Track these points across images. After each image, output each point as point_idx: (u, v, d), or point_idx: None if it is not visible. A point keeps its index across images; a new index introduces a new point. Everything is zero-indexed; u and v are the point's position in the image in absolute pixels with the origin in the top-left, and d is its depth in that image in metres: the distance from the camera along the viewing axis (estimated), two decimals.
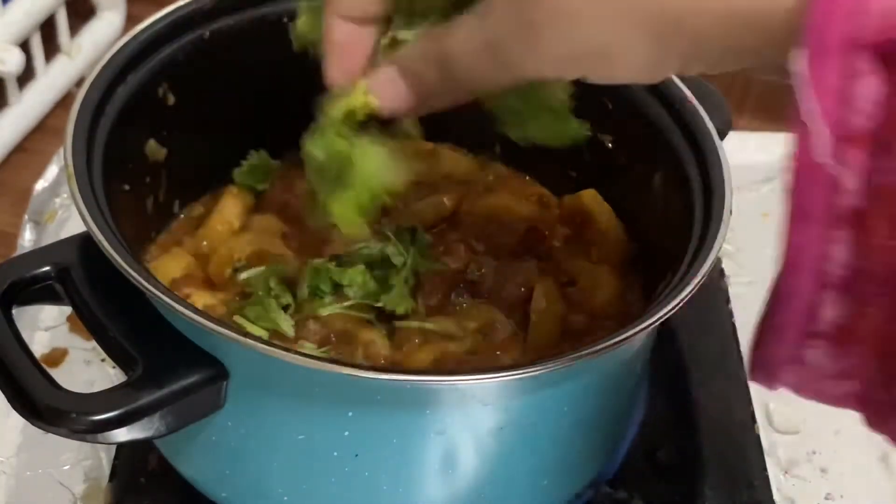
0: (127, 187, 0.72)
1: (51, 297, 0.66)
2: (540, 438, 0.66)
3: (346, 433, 0.62)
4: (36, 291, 0.65)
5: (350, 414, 0.61)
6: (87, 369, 0.83)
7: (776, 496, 0.78)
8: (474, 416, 0.63)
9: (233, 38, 0.77)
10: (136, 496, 0.76)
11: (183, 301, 0.60)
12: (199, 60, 0.75)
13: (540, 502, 0.71)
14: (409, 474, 0.65)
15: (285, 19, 0.78)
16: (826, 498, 0.79)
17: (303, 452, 0.64)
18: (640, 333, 0.60)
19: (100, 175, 0.66)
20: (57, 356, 0.84)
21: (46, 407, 0.58)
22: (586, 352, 0.59)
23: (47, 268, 0.65)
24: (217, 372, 0.61)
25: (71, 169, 0.64)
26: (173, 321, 0.62)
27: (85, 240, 0.64)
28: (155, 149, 0.76)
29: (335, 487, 0.65)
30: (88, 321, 0.64)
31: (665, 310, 0.61)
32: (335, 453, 0.63)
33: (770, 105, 1.15)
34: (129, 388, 0.59)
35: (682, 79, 0.74)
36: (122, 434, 0.59)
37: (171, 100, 0.75)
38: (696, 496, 0.78)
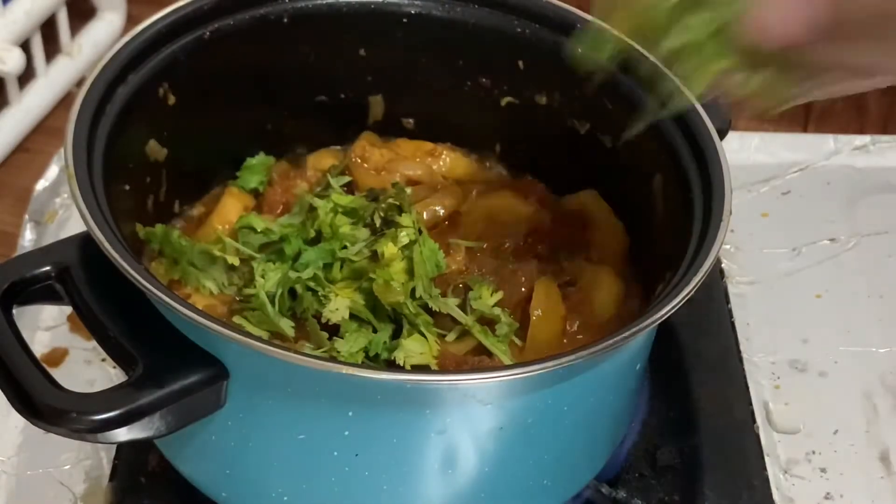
0: (127, 187, 0.72)
1: (51, 297, 0.65)
2: (540, 438, 0.66)
3: (347, 433, 0.62)
4: (36, 291, 0.65)
5: (350, 414, 0.61)
6: (88, 369, 0.83)
7: (776, 496, 0.78)
8: (474, 416, 0.63)
9: (233, 38, 0.77)
10: (136, 496, 0.76)
11: (183, 301, 0.60)
12: (199, 60, 0.75)
13: (540, 502, 0.71)
14: (409, 474, 0.65)
15: (285, 19, 0.78)
16: (825, 498, 0.79)
17: (303, 452, 0.64)
18: (639, 333, 0.60)
19: (100, 175, 0.66)
20: (57, 356, 0.84)
21: (47, 407, 0.58)
22: (586, 352, 0.59)
23: (47, 268, 0.65)
24: (217, 372, 0.61)
25: (71, 169, 0.64)
26: (173, 321, 0.62)
27: (85, 240, 0.64)
28: (155, 149, 0.75)
29: (335, 487, 0.65)
30: (88, 321, 0.64)
31: (664, 310, 0.61)
32: (335, 453, 0.63)
33: None
34: (130, 387, 0.59)
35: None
36: (123, 434, 0.59)
37: (172, 100, 0.75)
38: (696, 496, 0.78)
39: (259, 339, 0.59)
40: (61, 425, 0.58)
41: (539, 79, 0.81)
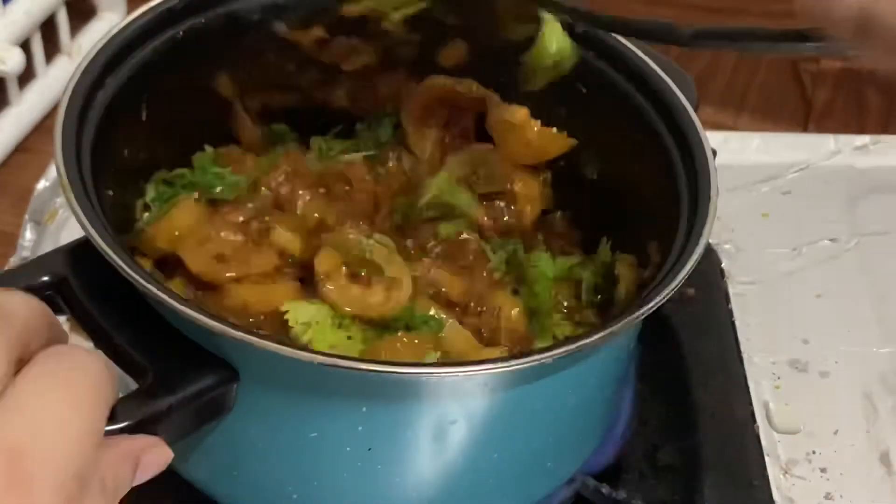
0: (110, 193, 0.71)
1: (51, 310, 0.64)
2: (547, 421, 0.66)
3: (360, 428, 0.62)
4: None
5: (364, 409, 0.61)
6: None
7: (776, 496, 0.78)
8: (489, 404, 0.63)
9: (205, 37, 0.76)
10: (136, 496, 0.75)
11: (192, 304, 0.59)
12: (173, 61, 0.74)
13: (544, 484, 0.72)
14: (421, 465, 0.65)
15: (255, 16, 0.77)
16: (826, 498, 0.79)
17: (315, 450, 0.64)
18: (630, 325, 0.61)
19: (90, 181, 0.65)
20: None
21: None
22: (596, 336, 0.60)
23: (45, 278, 0.63)
24: (228, 374, 0.60)
25: (65, 179, 0.63)
26: (180, 326, 0.61)
27: (79, 248, 0.64)
28: (137, 150, 0.75)
29: (347, 483, 0.65)
30: (92, 331, 0.62)
31: (652, 303, 0.61)
32: (348, 448, 0.63)
33: (770, 105, 1.15)
34: (142, 396, 0.58)
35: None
36: None
37: (146, 106, 0.74)
38: (696, 496, 0.78)
39: (271, 338, 0.59)
40: None
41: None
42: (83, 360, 0.49)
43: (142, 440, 0.54)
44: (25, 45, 1.03)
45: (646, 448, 0.80)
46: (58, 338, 0.52)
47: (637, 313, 0.61)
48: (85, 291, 0.63)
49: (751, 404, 0.83)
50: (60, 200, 0.95)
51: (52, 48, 1.09)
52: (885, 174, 1.01)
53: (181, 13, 0.75)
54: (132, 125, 0.73)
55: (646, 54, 0.75)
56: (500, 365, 0.59)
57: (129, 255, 0.61)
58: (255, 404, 0.62)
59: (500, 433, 0.65)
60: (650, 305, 0.61)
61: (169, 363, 0.60)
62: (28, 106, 1.07)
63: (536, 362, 0.59)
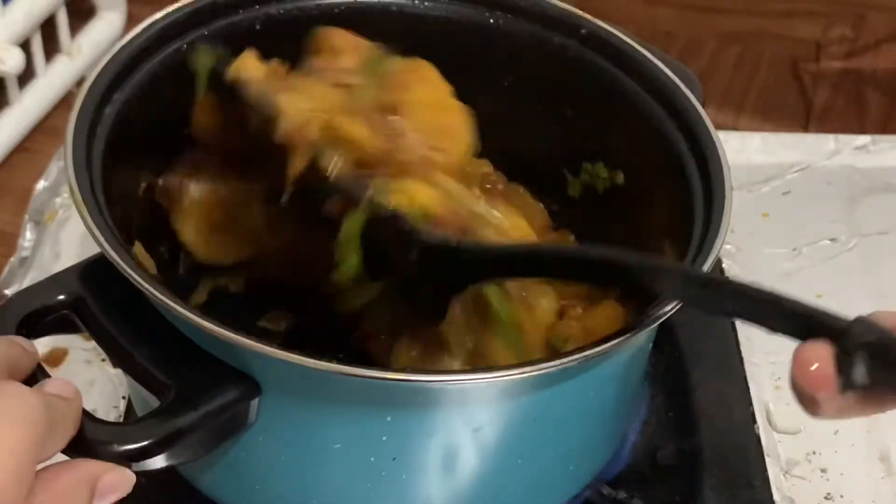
0: (118, 207, 0.71)
1: (67, 328, 0.64)
2: (571, 424, 0.66)
3: (384, 438, 0.62)
4: (49, 323, 0.63)
5: (389, 419, 0.61)
6: (88, 369, 0.83)
7: (776, 496, 0.78)
8: (511, 410, 0.63)
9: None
10: (136, 496, 0.75)
11: (212, 319, 0.58)
12: (179, 73, 0.74)
13: (566, 488, 0.72)
14: (445, 472, 0.65)
15: (257, 26, 0.77)
16: (826, 498, 0.79)
17: (338, 461, 0.63)
18: (644, 330, 0.61)
19: (102, 197, 0.64)
20: (57, 356, 0.84)
21: (85, 440, 0.55)
22: (620, 339, 0.60)
23: (61, 297, 0.63)
24: (249, 387, 0.60)
25: (78, 196, 0.62)
26: (200, 341, 0.60)
27: (93, 265, 0.63)
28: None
29: (371, 493, 0.65)
30: (111, 349, 0.62)
31: (667, 308, 0.61)
32: (372, 458, 0.63)
33: (770, 105, 1.15)
34: (164, 413, 0.58)
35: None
36: (160, 461, 0.57)
37: (151, 127, 0.73)
38: (696, 496, 0.78)
39: (293, 352, 0.58)
40: (98, 457, 0.56)
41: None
42: (7, 404, 0.48)
43: (100, 464, 0.52)
44: (25, 45, 1.04)
45: (646, 448, 0.80)
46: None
47: (663, 311, 0.61)
48: (102, 309, 0.62)
49: (751, 404, 0.83)
50: (60, 200, 0.95)
51: (52, 48, 1.10)
52: (885, 174, 1.02)
53: (184, 26, 0.74)
54: (140, 139, 0.73)
55: (649, 52, 0.75)
56: (522, 370, 0.59)
57: (145, 271, 0.60)
58: (277, 417, 0.62)
59: (523, 438, 0.65)
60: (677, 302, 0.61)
61: (190, 379, 0.59)
62: (28, 106, 1.07)
63: (560, 366, 0.58)
